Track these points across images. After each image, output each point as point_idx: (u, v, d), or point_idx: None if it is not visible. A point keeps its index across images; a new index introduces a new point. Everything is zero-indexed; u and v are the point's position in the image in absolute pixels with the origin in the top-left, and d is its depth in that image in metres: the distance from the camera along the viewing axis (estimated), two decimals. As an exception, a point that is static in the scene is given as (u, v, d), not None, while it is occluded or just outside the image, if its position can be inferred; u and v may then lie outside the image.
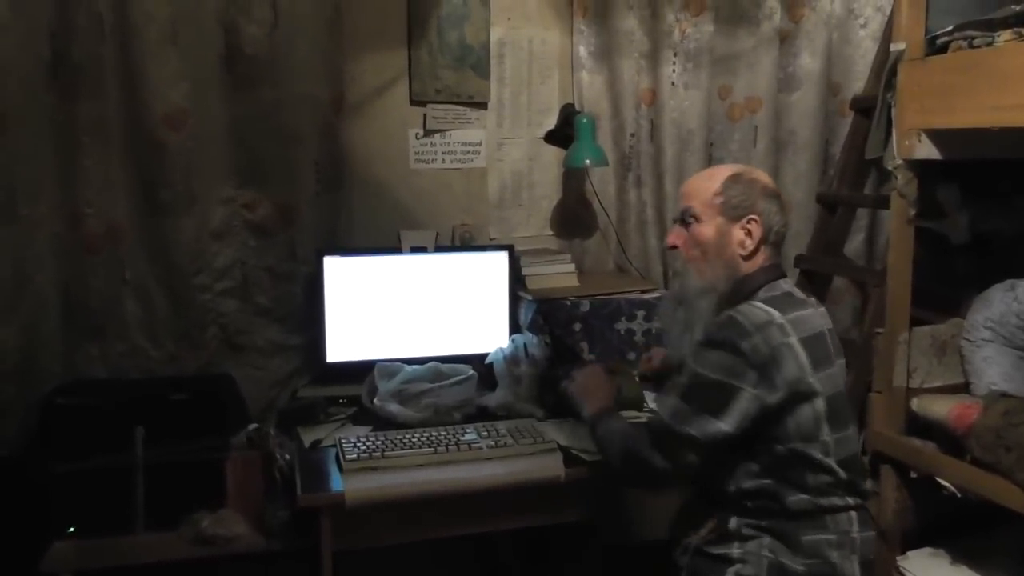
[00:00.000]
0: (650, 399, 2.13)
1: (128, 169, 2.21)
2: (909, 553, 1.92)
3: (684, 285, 1.76)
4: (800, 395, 1.54)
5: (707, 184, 1.70)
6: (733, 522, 1.61)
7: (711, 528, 1.65)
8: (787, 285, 1.69)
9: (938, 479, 1.85)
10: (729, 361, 1.54)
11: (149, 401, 2.05)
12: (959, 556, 1.93)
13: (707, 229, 1.69)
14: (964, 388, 2.02)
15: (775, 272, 1.69)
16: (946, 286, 2.26)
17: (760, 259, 1.68)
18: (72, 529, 1.96)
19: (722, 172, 1.72)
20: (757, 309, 1.58)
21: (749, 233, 1.67)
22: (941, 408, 1.86)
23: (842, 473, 1.57)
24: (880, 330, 2.03)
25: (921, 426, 1.92)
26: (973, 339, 2.00)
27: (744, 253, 1.67)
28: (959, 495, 1.83)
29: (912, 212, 1.91)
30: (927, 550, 1.94)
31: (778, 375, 1.53)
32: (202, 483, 1.99)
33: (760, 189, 1.68)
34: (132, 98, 2.17)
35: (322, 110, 2.35)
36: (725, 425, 1.53)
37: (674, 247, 1.76)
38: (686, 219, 1.72)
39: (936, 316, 2.12)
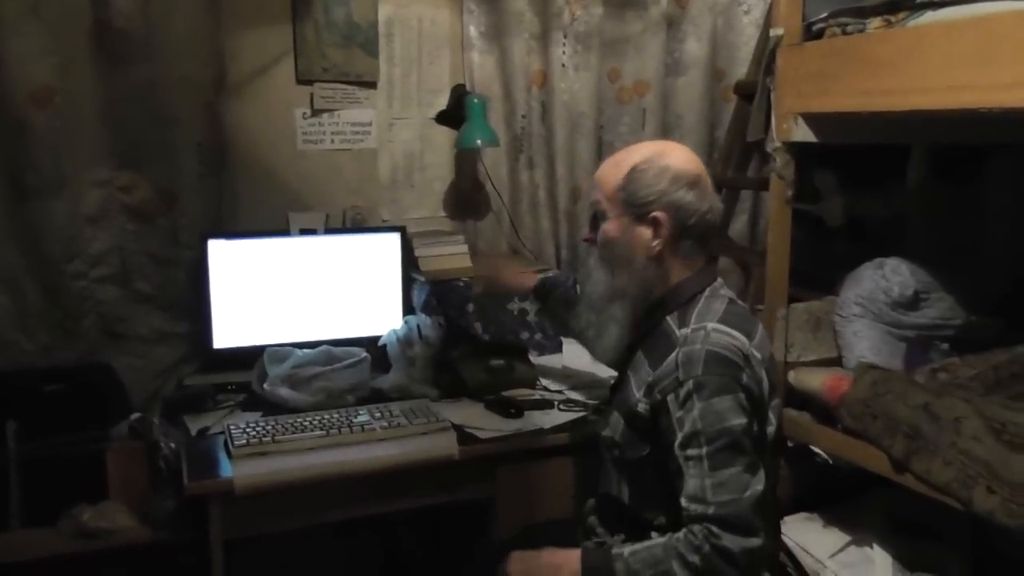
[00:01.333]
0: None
1: (-10, 150, 2.09)
2: (786, 518, 2.01)
3: (593, 286, 1.67)
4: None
5: (613, 174, 1.59)
6: (654, 535, 1.56)
7: (627, 538, 1.62)
8: (724, 290, 1.62)
9: (812, 447, 1.93)
10: (737, 402, 1.45)
11: (21, 393, 1.96)
12: (831, 520, 2.03)
13: (612, 227, 1.59)
14: (837, 361, 2.12)
15: (710, 275, 1.62)
16: (822, 267, 2.36)
17: (681, 258, 1.59)
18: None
19: (630, 158, 1.59)
20: (726, 335, 1.49)
21: (656, 232, 1.56)
22: (815, 380, 1.94)
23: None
24: (761, 307, 2.11)
25: (798, 398, 2.01)
26: (845, 315, 2.10)
27: (652, 254, 1.57)
28: (831, 462, 1.92)
29: (790, 193, 1.98)
30: (802, 515, 2.03)
31: (764, 408, 1.53)
32: (82, 476, 1.93)
33: (671, 177, 1.55)
34: (-8, 75, 2.04)
35: (202, 89, 2.27)
36: (762, 472, 1.47)
37: (588, 241, 1.67)
38: (593, 212, 1.62)
39: (813, 295, 2.21)
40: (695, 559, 1.43)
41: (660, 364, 1.54)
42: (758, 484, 1.46)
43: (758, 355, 1.55)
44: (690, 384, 1.47)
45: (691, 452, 1.46)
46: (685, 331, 1.54)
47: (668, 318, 1.59)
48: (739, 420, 1.46)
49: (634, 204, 1.56)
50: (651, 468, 1.58)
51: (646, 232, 1.57)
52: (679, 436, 1.47)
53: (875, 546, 1.94)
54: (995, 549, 1.86)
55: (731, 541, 1.42)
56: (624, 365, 1.71)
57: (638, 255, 1.58)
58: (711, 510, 1.43)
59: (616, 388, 1.74)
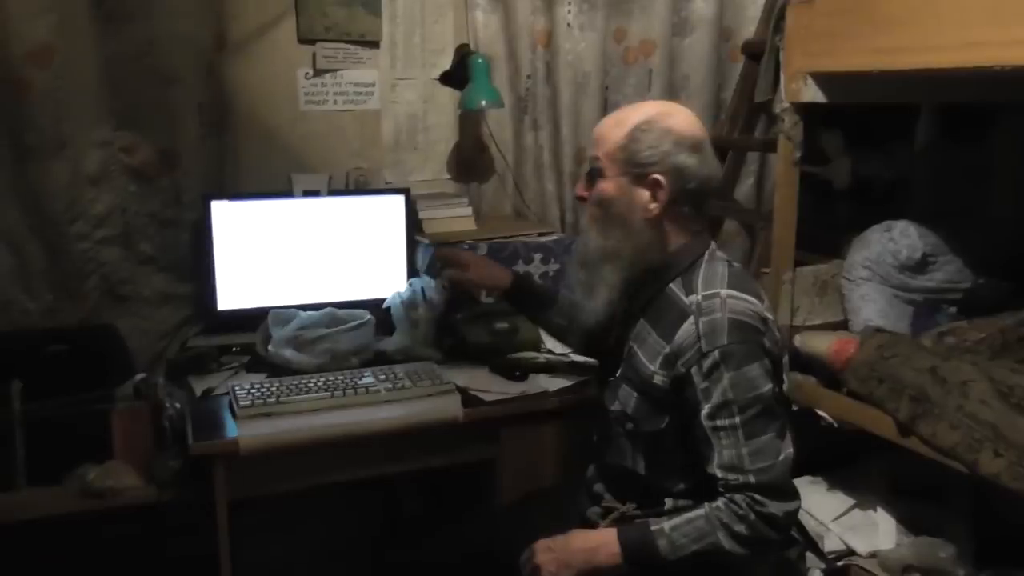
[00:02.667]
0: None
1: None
2: (790, 481, 2.02)
3: (585, 246, 1.60)
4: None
5: (614, 132, 1.54)
6: (668, 503, 1.56)
7: (639, 505, 1.61)
8: (720, 252, 1.59)
9: (817, 411, 1.93)
10: (764, 368, 1.45)
11: (24, 354, 1.96)
12: (835, 483, 2.04)
13: (609, 186, 1.54)
14: (843, 325, 2.11)
15: (707, 240, 1.59)
16: (829, 230, 2.35)
17: (678, 223, 1.55)
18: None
19: (633, 117, 1.54)
20: (743, 301, 1.48)
21: (655, 195, 1.52)
22: (821, 344, 1.93)
23: None
24: (766, 270, 2.10)
25: (803, 361, 2.00)
26: (852, 278, 2.09)
27: (648, 216, 1.53)
28: (836, 426, 1.92)
29: (797, 155, 1.96)
30: (806, 478, 2.03)
31: (781, 369, 1.54)
32: (87, 436, 1.93)
33: (674, 140, 1.50)
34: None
35: (203, 48, 2.24)
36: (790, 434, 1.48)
37: (581, 198, 1.61)
38: (592, 170, 1.56)
39: (819, 258, 2.20)
40: (741, 528, 1.43)
41: (673, 334, 1.51)
42: (789, 447, 1.48)
43: (770, 316, 1.54)
44: (716, 354, 1.44)
45: (722, 422, 1.44)
46: (695, 298, 1.51)
47: (672, 285, 1.56)
48: (768, 386, 1.45)
49: (634, 164, 1.51)
50: (669, 438, 1.55)
51: (644, 194, 1.53)
52: (706, 407, 1.45)
53: (879, 509, 1.94)
54: (996, 513, 1.86)
55: (775, 507, 1.43)
56: (624, 335, 1.66)
57: (635, 217, 1.53)
58: (752, 478, 1.43)
59: (618, 360, 1.68)
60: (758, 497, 1.43)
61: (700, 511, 1.47)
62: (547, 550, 1.54)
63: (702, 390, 1.46)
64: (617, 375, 1.66)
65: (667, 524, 1.48)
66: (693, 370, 1.47)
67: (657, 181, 1.51)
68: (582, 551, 1.52)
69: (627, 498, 1.64)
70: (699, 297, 1.51)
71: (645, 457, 1.60)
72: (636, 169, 1.52)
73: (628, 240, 1.54)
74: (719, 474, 1.45)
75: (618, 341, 1.68)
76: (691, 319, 1.49)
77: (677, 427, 1.54)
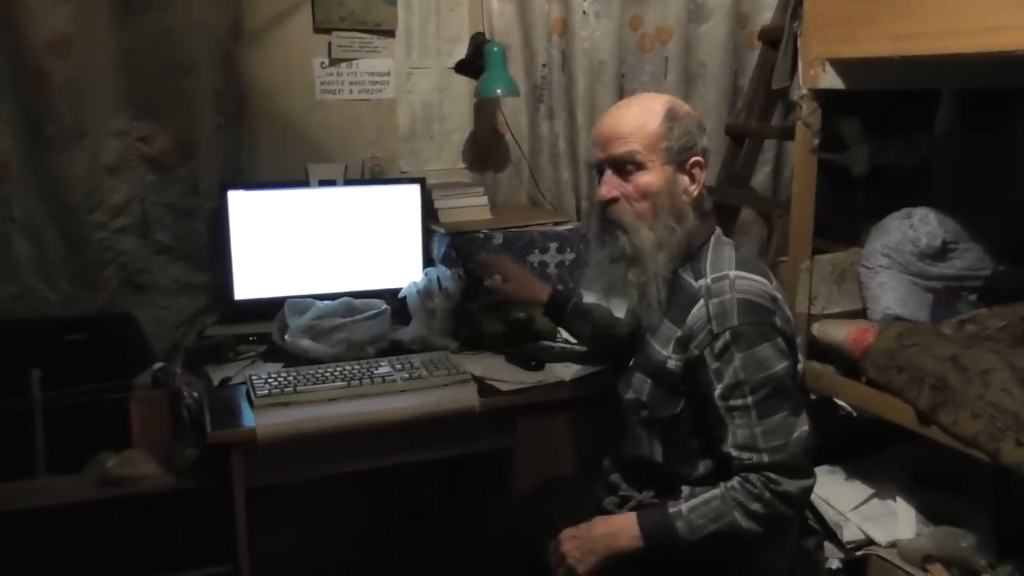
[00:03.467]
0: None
1: (9, 101, 2.07)
2: (808, 471, 2.00)
3: (633, 244, 1.54)
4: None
5: (643, 122, 1.52)
6: (684, 490, 1.57)
7: (658, 493, 1.62)
8: (724, 237, 1.60)
9: (836, 400, 1.92)
10: (776, 347, 1.45)
11: (44, 343, 1.98)
12: (853, 472, 2.03)
13: (654, 178, 1.52)
14: (862, 313, 2.10)
15: (712, 224, 1.60)
16: (847, 217, 2.33)
17: (699, 205, 1.57)
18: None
19: (655, 106, 1.54)
20: (752, 281, 1.49)
21: (694, 178, 1.55)
22: (840, 332, 1.92)
23: None
24: (784, 259, 2.09)
25: (821, 350, 1.99)
26: (871, 266, 2.07)
27: (690, 200, 1.55)
28: (855, 415, 1.91)
29: (816, 142, 1.95)
30: (824, 468, 2.02)
31: (795, 346, 1.53)
32: (106, 424, 1.95)
33: (696, 123, 1.56)
34: (10, 24, 2.02)
35: (219, 37, 2.24)
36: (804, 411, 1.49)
37: (613, 200, 1.55)
38: (624, 166, 1.53)
39: (837, 246, 2.18)
40: (757, 507, 1.44)
41: (684, 318, 1.52)
42: (803, 424, 1.49)
43: (780, 295, 1.54)
44: (727, 336, 1.45)
45: (735, 402, 1.46)
46: (704, 282, 1.52)
47: (680, 271, 1.56)
48: (781, 364, 1.46)
49: (678, 151, 1.52)
50: (684, 423, 1.56)
51: (685, 179, 1.55)
52: (719, 387, 1.46)
53: (898, 499, 1.93)
54: (1018, 502, 1.85)
55: (790, 485, 1.44)
56: (635, 323, 1.67)
57: (682, 202, 1.54)
58: (766, 457, 1.44)
59: (630, 348, 1.69)
60: (772, 476, 1.44)
61: (716, 492, 1.49)
62: (571, 538, 1.57)
63: (714, 371, 1.47)
64: (630, 364, 1.67)
65: (684, 506, 1.50)
66: (705, 352, 1.48)
67: (698, 163, 1.55)
68: (604, 536, 1.54)
69: (644, 487, 1.64)
70: (708, 280, 1.52)
71: (662, 444, 1.61)
72: (678, 156, 1.53)
73: (680, 226, 1.54)
74: (733, 453, 1.47)
75: (631, 330, 1.69)
76: (701, 302, 1.50)
77: (692, 411, 1.54)
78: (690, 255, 1.56)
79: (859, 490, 1.99)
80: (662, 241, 1.53)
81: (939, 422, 1.67)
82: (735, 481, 1.47)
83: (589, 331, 2.00)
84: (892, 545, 1.86)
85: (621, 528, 1.53)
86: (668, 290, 1.56)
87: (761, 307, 1.47)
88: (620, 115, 1.56)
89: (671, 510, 1.50)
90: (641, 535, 1.51)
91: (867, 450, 2.07)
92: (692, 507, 1.49)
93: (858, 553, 1.90)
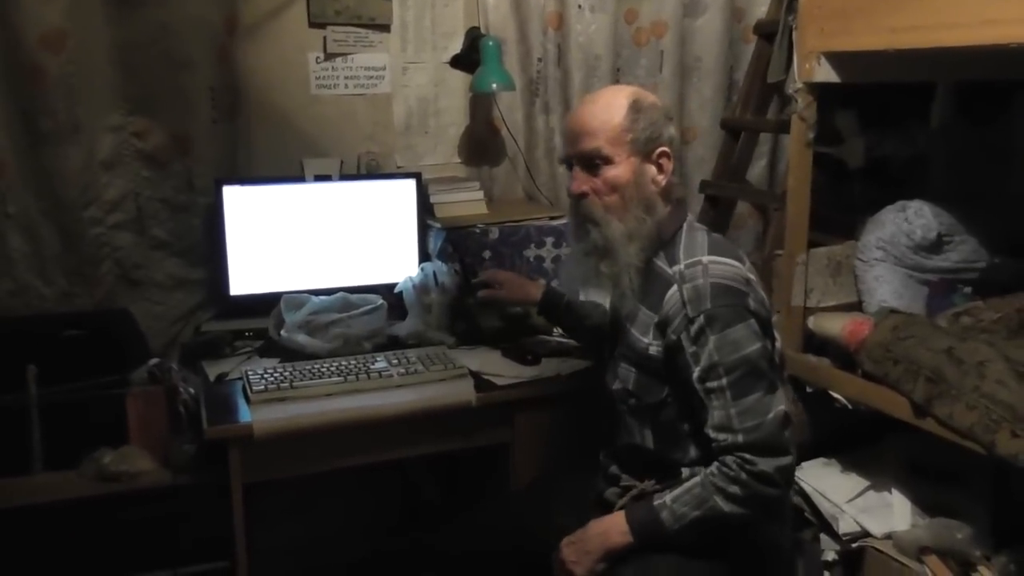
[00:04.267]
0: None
1: (3, 96, 2.06)
2: (803, 464, 2.01)
3: (603, 236, 1.57)
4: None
5: (608, 117, 1.55)
6: (685, 472, 1.58)
7: (657, 480, 1.62)
8: (697, 223, 1.63)
9: (832, 393, 1.93)
10: (750, 328, 1.48)
11: (39, 339, 1.97)
12: (849, 465, 2.03)
13: (621, 171, 1.55)
14: (858, 306, 2.10)
15: (684, 210, 1.63)
16: (843, 210, 2.33)
17: (668, 194, 1.60)
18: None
19: (618, 99, 1.57)
20: (724, 265, 1.51)
21: (661, 168, 1.58)
22: (835, 325, 1.93)
23: None
24: (780, 252, 2.09)
25: (817, 343, 2.00)
26: (866, 259, 2.08)
27: (658, 189, 1.58)
28: (850, 407, 1.92)
29: (811, 135, 1.95)
30: (820, 460, 2.03)
31: (771, 327, 1.55)
32: (102, 420, 1.95)
33: (662, 113, 1.58)
34: (3, 19, 2.01)
35: (214, 32, 2.23)
36: (781, 390, 1.51)
37: (583, 195, 1.58)
38: (592, 161, 1.56)
39: (833, 239, 2.19)
40: (735, 489, 1.46)
41: (660, 305, 1.55)
42: (779, 404, 1.50)
43: (753, 276, 1.56)
44: (701, 319, 1.48)
45: (711, 384, 1.48)
46: (678, 268, 1.55)
47: (654, 259, 1.59)
48: (754, 346, 1.48)
49: (643, 142, 1.55)
50: (671, 408, 1.58)
51: (652, 169, 1.57)
52: (696, 370, 1.50)
53: (894, 490, 1.94)
54: (1014, 494, 1.86)
55: (765, 464, 1.45)
56: (615, 314, 1.71)
57: (650, 192, 1.57)
58: (740, 438, 1.46)
59: (613, 339, 1.72)
60: (748, 456, 1.46)
61: (696, 479, 1.52)
62: (569, 544, 1.60)
63: (691, 354, 1.50)
64: (614, 354, 1.69)
65: (668, 496, 1.53)
66: (682, 336, 1.51)
67: (664, 153, 1.57)
68: (597, 535, 1.58)
69: (644, 475, 1.65)
70: (681, 266, 1.54)
71: (652, 430, 1.63)
72: (644, 147, 1.55)
73: (650, 215, 1.57)
74: (711, 434, 1.50)
75: (613, 321, 1.72)
76: (675, 287, 1.53)
77: (677, 396, 1.57)
78: (663, 243, 1.59)
79: (855, 482, 1.99)
80: (632, 232, 1.55)
81: (935, 414, 1.68)
82: (713, 466, 1.50)
83: (583, 327, 2.02)
84: (888, 537, 1.87)
85: (611, 526, 1.57)
86: (642, 278, 1.58)
87: (734, 290, 1.49)
88: (585, 111, 1.59)
89: (655, 502, 1.54)
90: (630, 530, 1.54)
91: (863, 442, 2.08)
92: (675, 496, 1.52)
93: (854, 545, 1.91)
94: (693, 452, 1.58)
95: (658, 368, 1.58)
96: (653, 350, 1.57)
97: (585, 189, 1.58)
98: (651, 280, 1.58)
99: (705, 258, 1.53)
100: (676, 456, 1.60)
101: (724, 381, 1.47)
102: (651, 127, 1.55)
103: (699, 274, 1.51)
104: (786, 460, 1.49)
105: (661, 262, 1.59)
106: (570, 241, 1.79)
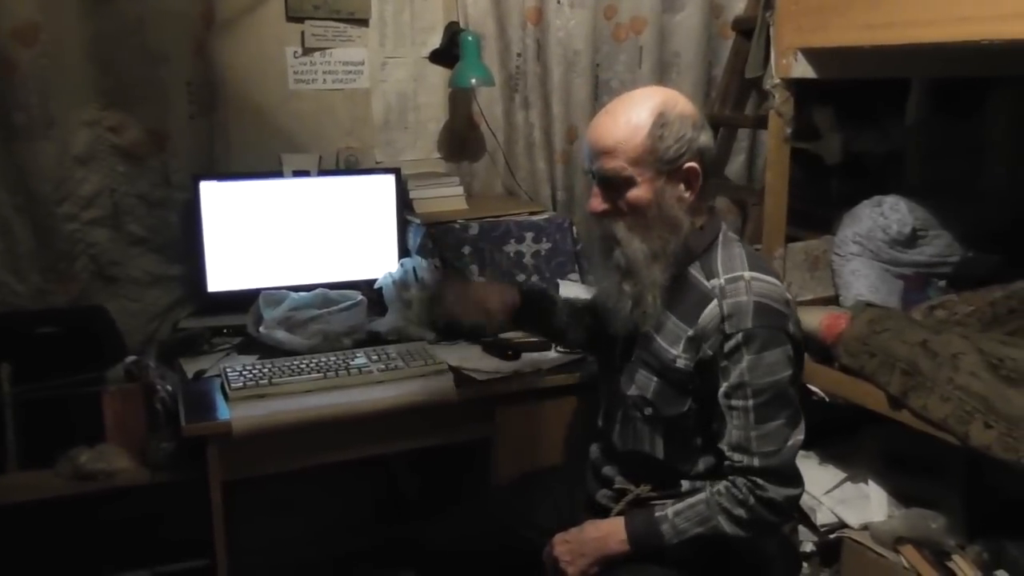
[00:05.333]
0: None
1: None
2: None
3: (626, 256, 1.49)
4: None
5: (630, 134, 1.44)
6: (685, 484, 1.56)
7: (655, 487, 1.60)
8: (731, 232, 1.56)
9: (809, 386, 1.94)
10: (785, 353, 1.44)
11: (14, 336, 1.95)
12: (827, 456, 2.05)
13: (643, 192, 1.46)
14: (834, 300, 2.12)
15: (719, 220, 1.55)
16: (820, 205, 2.35)
17: (699, 205, 1.51)
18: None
19: (642, 112, 1.45)
20: (767, 283, 1.46)
21: (690, 184, 1.48)
22: (813, 319, 1.94)
23: None
24: (758, 246, 2.10)
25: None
26: (842, 253, 2.10)
27: (685, 207, 1.48)
28: (827, 400, 1.93)
29: (788, 131, 1.96)
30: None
31: (803, 353, 1.52)
32: (78, 418, 1.93)
33: (691, 123, 1.46)
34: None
35: (191, 25, 2.21)
36: (803, 421, 1.47)
37: (604, 213, 1.50)
38: (612, 180, 1.47)
39: (810, 234, 2.21)
40: (741, 512, 1.45)
41: (695, 318, 1.48)
42: (799, 434, 1.47)
43: (791, 296, 1.53)
44: (739, 336, 1.43)
45: (736, 403, 1.45)
46: (717, 282, 1.48)
47: (690, 269, 1.52)
48: (786, 372, 1.45)
49: (667, 162, 1.45)
50: (691, 421, 1.54)
51: (680, 186, 1.48)
52: (724, 385, 1.46)
53: (870, 482, 1.96)
54: (987, 484, 1.88)
55: (776, 492, 1.44)
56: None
57: (675, 211, 1.48)
58: (756, 461, 1.44)
59: (630, 342, 1.62)
60: (760, 481, 1.44)
61: (702, 495, 1.50)
62: (563, 542, 1.58)
63: (722, 368, 1.46)
64: (632, 359, 1.61)
65: (670, 510, 1.50)
66: (717, 352, 1.46)
67: (692, 169, 1.47)
68: (594, 540, 1.55)
69: (641, 481, 1.62)
70: (721, 281, 1.48)
71: (664, 441, 1.57)
72: (669, 165, 1.46)
73: (675, 235, 1.49)
74: (726, 452, 1.47)
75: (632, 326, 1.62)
76: (715, 302, 1.47)
77: (699, 410, 1.52)
78: (697, 255, 1.52)
79: (832, 474, 2.02)
80: (656, 252, 1.48)
81: (910, 406, 1.70)
82: (721, 485, 1.47)
83: (555, 325, 1.91)
84: (865, 528, 1.89)
85: (609, 532, 1.55)
86: (675, 289, 1.52)
87: (776, 311, 1.45)
88: (607, 124, 1.48)
89: (657, 514, 1.51)
90: (628, 539, 1.52)
91: (840, 435, 2.10)
92: (678, 511, 1.50)
93: (831, 536, 1.93)
94: (702, 466, 1.55)
95: (683, 381, 1.51)
96: (681, 363, 1.50)
97: (605, 207, 1.50)
98: (684, 291, 1.52)
99: (747, 274, 1.47)
100: (684, 468, 1.57)
101: (750, 403, 1.43)
102: (678, 143, 1.45)
103: (742, 290, 1.45)
104: (796, 491, 1.48)
105: (697, 273, 1.52)
106: (594, 254, 1.67)
